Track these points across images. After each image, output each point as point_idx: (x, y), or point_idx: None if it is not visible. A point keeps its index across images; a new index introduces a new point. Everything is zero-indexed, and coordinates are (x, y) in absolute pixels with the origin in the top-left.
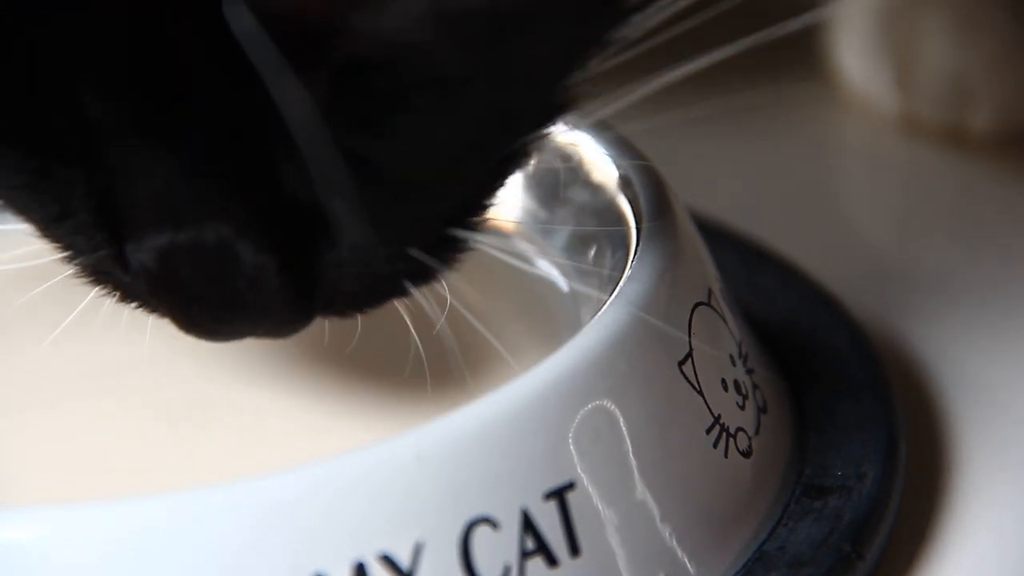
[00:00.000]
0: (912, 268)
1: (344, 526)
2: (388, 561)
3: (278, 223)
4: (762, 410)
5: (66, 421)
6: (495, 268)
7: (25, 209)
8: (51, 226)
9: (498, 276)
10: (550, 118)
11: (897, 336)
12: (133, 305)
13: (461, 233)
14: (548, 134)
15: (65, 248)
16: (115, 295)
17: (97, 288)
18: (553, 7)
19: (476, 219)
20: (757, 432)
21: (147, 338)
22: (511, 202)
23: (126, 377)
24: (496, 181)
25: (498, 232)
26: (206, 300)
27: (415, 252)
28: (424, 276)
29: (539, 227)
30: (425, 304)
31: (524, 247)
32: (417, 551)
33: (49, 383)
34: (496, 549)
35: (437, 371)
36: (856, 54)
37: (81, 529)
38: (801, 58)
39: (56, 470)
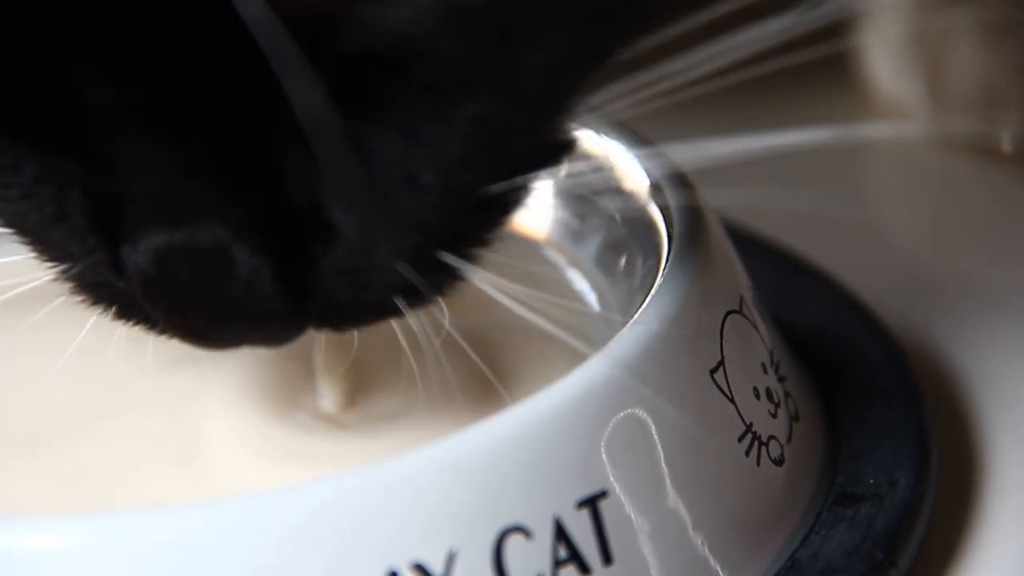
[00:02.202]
0: (943, 275)
1: (377, 534)
2: (421, 570)
3: (276, 226)
4: (794, 418)
5: (89, 434)
6: (527, 276)
7: (19, 215)
8: (45, 231)
9: (530, 283)
10: (552, 142)
11: (928, 343)
12: (129, 322)
13: (455, 261)
14: (546, 167)
15: (60, 257)
16: (110, 310)
17: (94, 307)
18: (561, 10)
19: (471, 251)
20: (789, 440)
21: (151, 350)
22: (542, 210)
23: (135, 388)
24: (492, 216)
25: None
26: (200, 304)
27: (405, 269)
28: (417, 298)
29: (570, 235)
30: (416, 326)
31: (554, 256)
32: (450, 560)
33: (69, 398)
34: (529, 558)
35: (434, 392)
36: (887, 64)
37: (113, 538)
38: (833, 68)
39: (84, 482)
